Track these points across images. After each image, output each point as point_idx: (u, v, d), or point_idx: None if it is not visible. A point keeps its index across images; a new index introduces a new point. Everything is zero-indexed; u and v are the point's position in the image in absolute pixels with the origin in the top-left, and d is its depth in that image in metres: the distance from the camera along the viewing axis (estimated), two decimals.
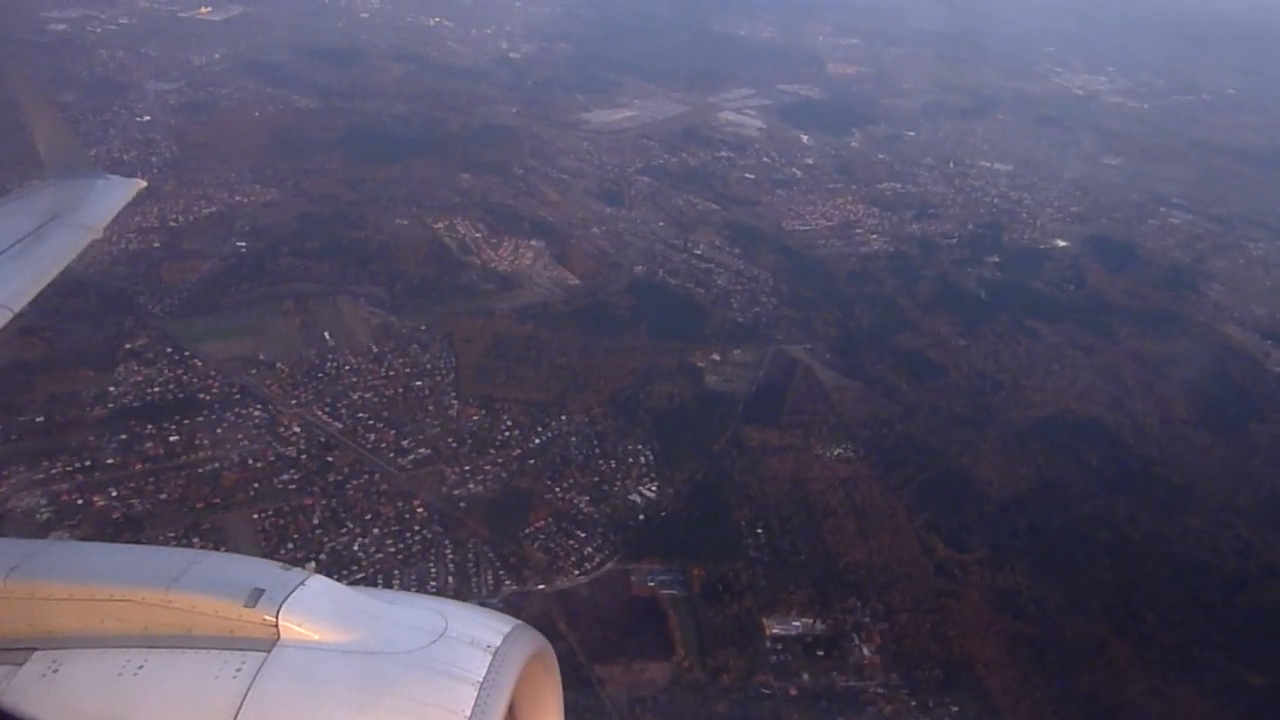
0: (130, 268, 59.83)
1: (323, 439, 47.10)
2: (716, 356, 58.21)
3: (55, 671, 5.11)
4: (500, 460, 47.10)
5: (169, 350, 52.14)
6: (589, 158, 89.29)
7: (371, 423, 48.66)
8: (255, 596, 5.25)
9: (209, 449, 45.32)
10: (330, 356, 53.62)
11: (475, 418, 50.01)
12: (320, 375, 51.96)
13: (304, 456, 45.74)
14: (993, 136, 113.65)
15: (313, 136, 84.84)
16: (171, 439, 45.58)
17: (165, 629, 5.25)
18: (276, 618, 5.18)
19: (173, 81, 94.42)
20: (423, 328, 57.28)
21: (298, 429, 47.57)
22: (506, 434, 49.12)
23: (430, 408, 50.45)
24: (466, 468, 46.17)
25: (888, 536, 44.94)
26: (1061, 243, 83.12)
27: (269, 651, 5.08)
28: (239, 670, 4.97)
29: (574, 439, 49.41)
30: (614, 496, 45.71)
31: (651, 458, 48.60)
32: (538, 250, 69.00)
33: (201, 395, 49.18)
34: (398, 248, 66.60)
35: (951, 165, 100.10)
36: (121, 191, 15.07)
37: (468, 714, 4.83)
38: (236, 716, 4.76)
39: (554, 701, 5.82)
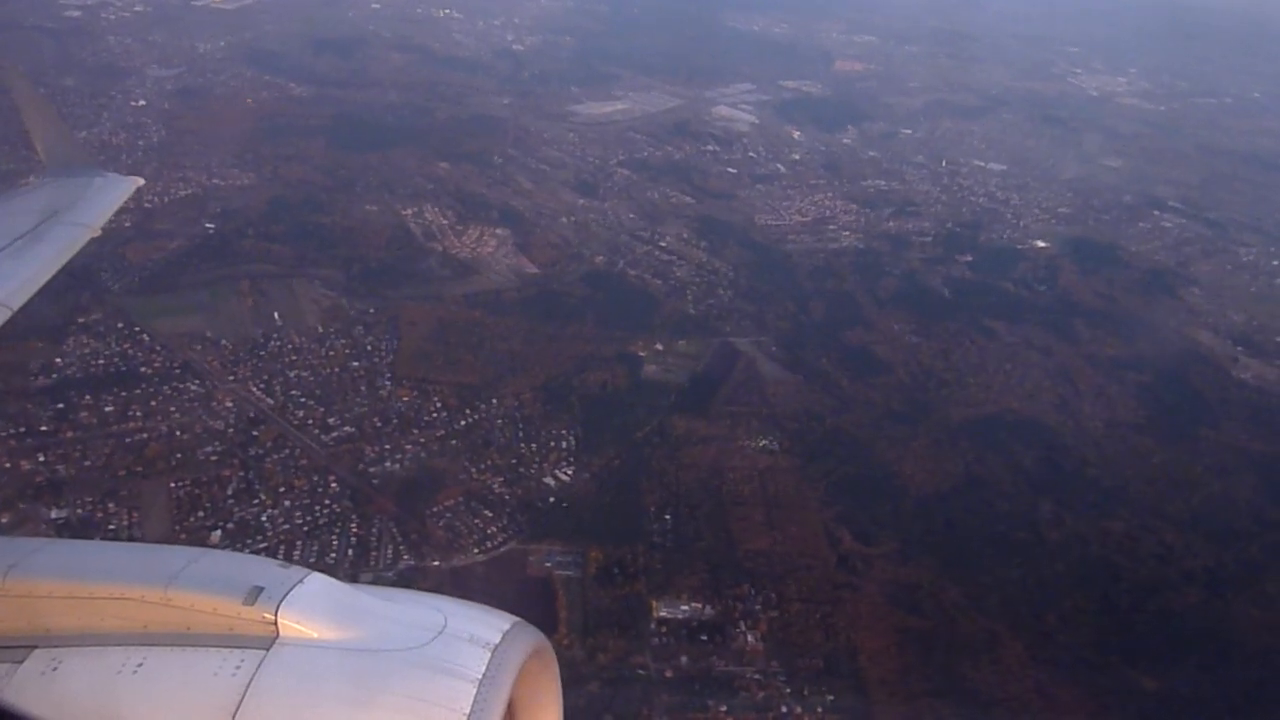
0: (98, 246, 60.01)
1: (252, 414, 48.44)
2: (659, 346, 58.69)
3: (55, 670, 5.13)
4: (423, 440, 48.11)
5: (120, 325, 53.88)
6: (571, 149, 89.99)
7: (303, 400, 49.92)
8: (254, 594, 5.28)
9: (140, 420, 46.90)
10: (275, 336, 55.00)
11: (405, 399, 51.07)
12: (262, 353, 53.36)
13: (231, 430, 47.11)
14: (992, 136, 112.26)
15: (300, 124, 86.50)
16: (106, 409, 47.25)
17: (164, 627, 5.28)
18: (275, 615, 5.20)
19: (173, 68, 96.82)
20: (371, 311, 58.46)
21: (230, 404, 48.98)
22: (434, 415, 50.11)
23: (363, 388, 51.59)
24: (387, 446, 47.25)
25: (795, 527, 45.21)
26: (1041, 243, 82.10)
27: (268, 649, 5.10)
28: (238, 668, 4.99)
29: (500, 422, 50.26)
30: (529, 479, 46.48)
31: (573, 443, 49.27)
32: (501, 238, 69.92)
33: (143, 369, 50.80)
34: (362, 233, 67.94)
35: (943, 164, 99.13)
36: (119, 189, 15.55)
37: (467, 711, 4.85)
38: (236, 714, 4.78)
39: (553, 699, 5.88)
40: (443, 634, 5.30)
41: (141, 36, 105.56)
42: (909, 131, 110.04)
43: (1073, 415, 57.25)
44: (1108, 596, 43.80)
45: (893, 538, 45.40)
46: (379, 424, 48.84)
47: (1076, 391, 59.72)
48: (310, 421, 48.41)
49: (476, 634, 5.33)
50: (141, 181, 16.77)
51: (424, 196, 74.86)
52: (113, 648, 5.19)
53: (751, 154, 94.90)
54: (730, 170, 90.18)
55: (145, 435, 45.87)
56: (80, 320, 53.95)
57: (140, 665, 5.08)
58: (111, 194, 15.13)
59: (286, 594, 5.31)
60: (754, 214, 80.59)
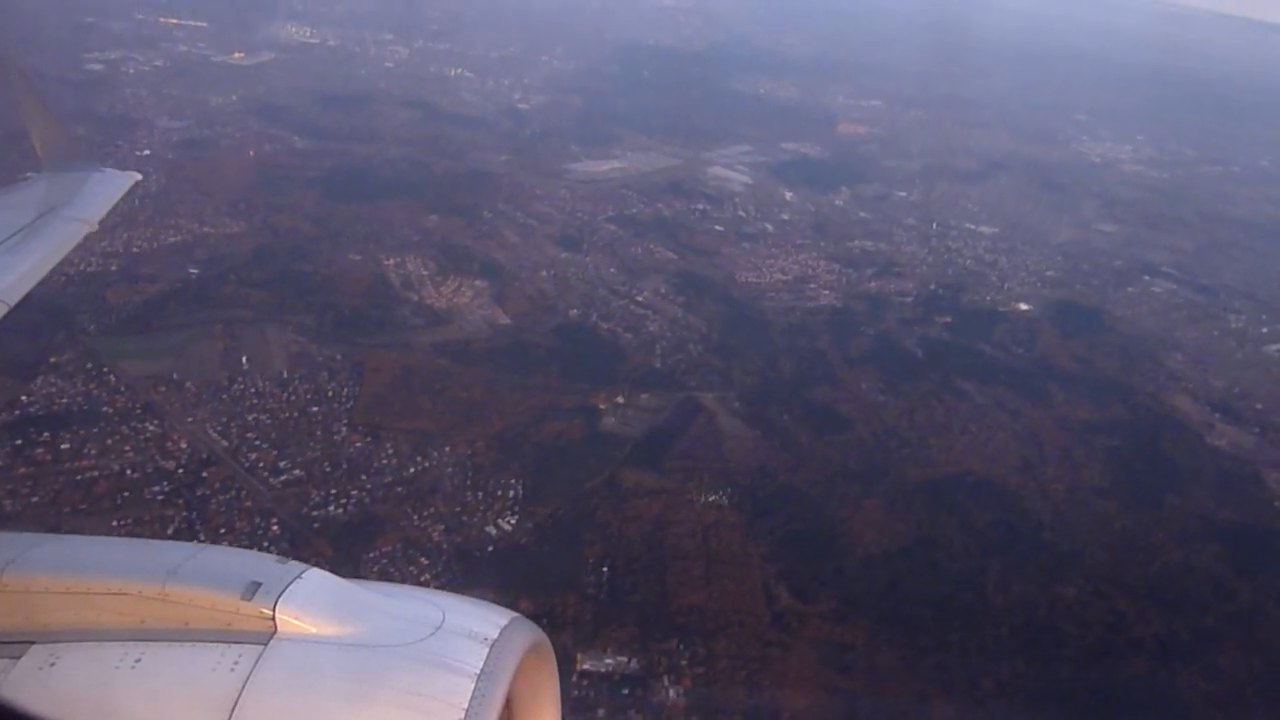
0: (82, 288, 63.23)
1: (205, 455, 49.07)
2: (621, 399, 58.93)
3: (52, 665, 5.13)
4: (369, 486, 48.40)
5: (89, 366, 54.90)
6: (562, 205, 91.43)
7: (257, 443, 50.51)
8: (252, 589, 5.30)
9: (94, 458, 47.63)
10: (240, 380, 55.83)
11: (358, 444, 51.52)
12: (224, 396, 54.16)
13: (181, 471, 47.69)
14: (988, 200, 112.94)
15: (298, 175, 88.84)
16: (63, 447, 47.95)
17: (162, 622, 5.29)
18: (274, 611, 5.23)
19: (183, 120, 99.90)
20: (338, 357, 59.27)
21: (184, 445, 49.66)
22: (384, 461, 50.47)
23: (318, 433, 52.14)
24: (333, 491, 47.60)
25: (733, 583, 44.80)
26: (1024, 306, 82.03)
27: (266, 645, 5.12)
28: (236, 663, 5.01)
29: (449, 470, 50.51)
30: (470, 528, 46.56)
31: (521, 493, 49.35)
32: (479, 290, 70.95)
33: (105, 409, 51.66)
34: (341, 281, 69.21)
35: (934, 226, 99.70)
36: (117, 184, 15.41)
37: (465, 706, 4.89)
38: (234, 709, 4.80)
39: (551, 694, 5.97)
40: (441, 629, 5.35)
41: (157, 90, 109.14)
42: (903, 194, 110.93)
43: (1035, 478, 56.60)
44: (1049, 663, 42.86)
45: (832, 596, 44.87)
46: (328, 469, 49.28)
47: (1042, 455, 59.13)
48: (261, 464, 48.96)
49: (475, 629, 5.40)
50: (139, 177, 16.80)
51: (409, 247, 76.22)
52: (110, 643, 5.19)
53: (741, 213, 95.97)
54: (717, 228, 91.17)
55: (96, 473, 46.57)
56: (52, 360, 55.15)
57: (138, 661, 5.09)
58: (109, 189, 15.17)
59: (284, 589, 5.34)
60: (735, 271, 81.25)
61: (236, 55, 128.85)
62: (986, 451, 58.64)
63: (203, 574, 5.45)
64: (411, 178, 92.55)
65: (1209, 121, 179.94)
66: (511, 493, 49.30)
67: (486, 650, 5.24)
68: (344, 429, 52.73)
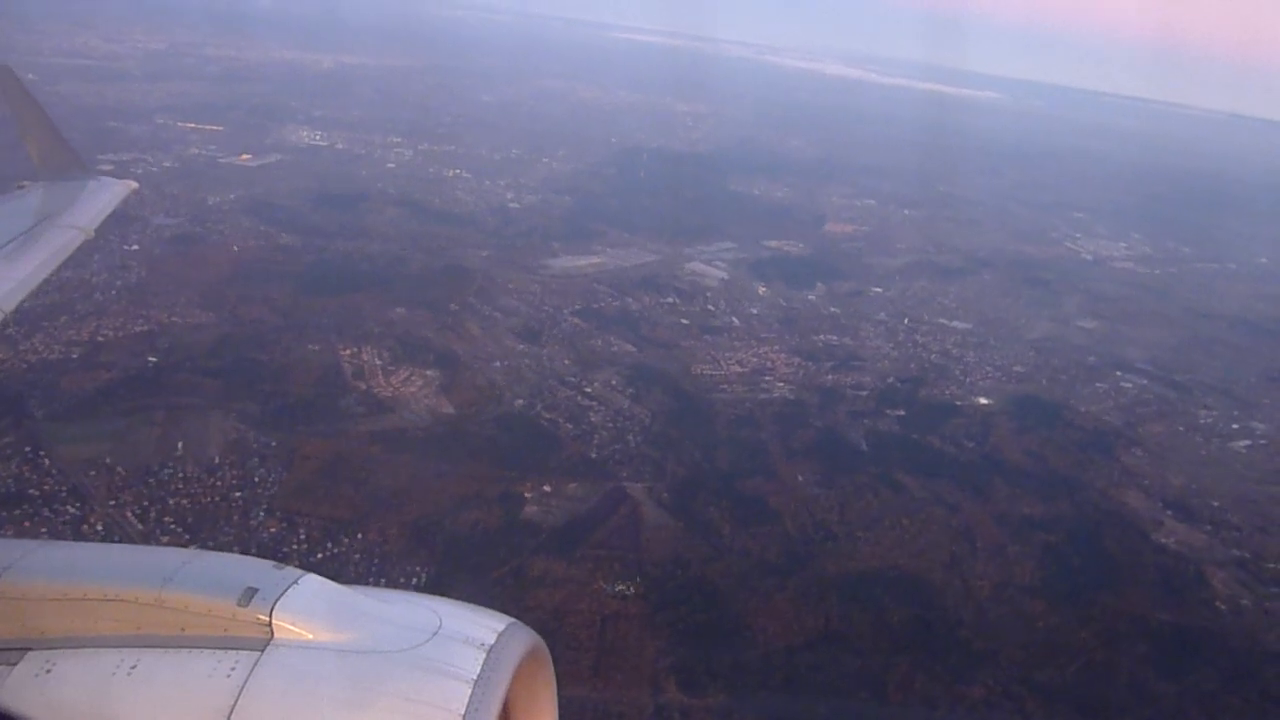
0: (39, 374, 65.58)
1: (117, 538, 49.89)
2: (548, 488, 59.13)
3: (49, 672, 5.15)
4: None
5: (27, 450, 56.50)
6: (531, 299, 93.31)
7: (173, 526, 51.29)
8: (249, 596, 5.34)
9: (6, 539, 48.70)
10: (170, 465, 57.06)
11: (272, 530, 52.13)
12: (150, 481, 55.25)
13: None
14: (966, 296, 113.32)
15: (276, 269, 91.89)
16: None
17: (158, 629, 5.31)
18: (270, 617, 5.28)
19: (176, 217, 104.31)
20: (273, 444, 60.37)
21: (100, 528, 50.57)
22: (293, 547, 50.89)
23: (235, 518, 52.86)
24: None
25: (621, 675, 44.15)
26: (983, 401, 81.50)
27: (263, 651, 5.16)
28: (233, 670, 5.05)
29: (357, 557, 50.80)
30: None
31: (423, 581, 49.43)
32: (428, 380, 72.22)
33: (31, 491, 52.96)
34: (294, 370, 70.87)
35: (905, 321, 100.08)
36: (113, 192, 15.94)
37: (462, 712, 4.91)
38: (230, 716, 4.84)
39: (549, 699, 6.04)
40: (438, 635, 5.40)
41: (159, 188, 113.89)
42: (879, 290, 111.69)
43: (961, 575, 55.49)
44: None
45: (723, 690, 43.95)
46: (236, 553, 49.68)
47: (973, 550, 58.06)
48: None
49: (471, 634, 5.45)
50: (135, 185, 17.19)
51: (368, 338, 78.00)
52: (107, 650, 5.23)
53: (710, 307, 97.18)
54: (683, 321, 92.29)
55: None
56: None
57: (134, 667, 5.13)
58: (105, 197, 15.57)
59: (281, 595, 5.40)
60: (692, 364, 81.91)
61: (244, 157, 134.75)
62: (915, 546, 57.70)
63: (199, 580, 5.51)
64: (387, 272, 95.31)
65: (1208, 219, 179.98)
66: (414, 581, 49.38)
67: (483, 656, 5.28)
68: (261, 515, 53.43)
